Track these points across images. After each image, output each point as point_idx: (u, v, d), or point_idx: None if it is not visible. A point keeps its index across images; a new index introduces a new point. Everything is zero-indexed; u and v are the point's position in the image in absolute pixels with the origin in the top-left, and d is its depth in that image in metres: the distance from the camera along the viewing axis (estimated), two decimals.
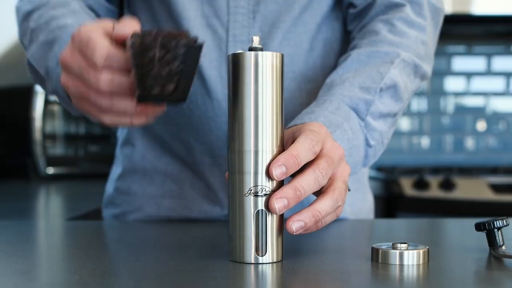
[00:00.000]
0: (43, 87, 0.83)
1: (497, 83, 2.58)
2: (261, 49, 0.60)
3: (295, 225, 0.59)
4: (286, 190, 0.59)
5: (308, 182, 0.60)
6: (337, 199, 0.62)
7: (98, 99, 0.62)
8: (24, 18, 0.86)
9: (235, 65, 0.60)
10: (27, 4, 0.86)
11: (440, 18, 0.90)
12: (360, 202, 0.98)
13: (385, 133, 0.80)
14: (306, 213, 0.60)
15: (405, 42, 0.83)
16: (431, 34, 0.88)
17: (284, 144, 0.62)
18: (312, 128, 0.65)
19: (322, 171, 0.61)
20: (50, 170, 2.08)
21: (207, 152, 0.90)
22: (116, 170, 1.01)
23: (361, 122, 0.77)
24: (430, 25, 0.87)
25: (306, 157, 0.61)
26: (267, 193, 0.59)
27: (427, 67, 0.86)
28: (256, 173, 0.59)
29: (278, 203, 0.58)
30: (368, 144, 0.78)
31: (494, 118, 2.59)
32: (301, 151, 0.60)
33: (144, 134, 0.96)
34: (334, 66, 0.91)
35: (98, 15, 0.91)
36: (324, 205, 0.61)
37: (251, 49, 0.60)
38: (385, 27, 0.85)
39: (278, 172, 0.59)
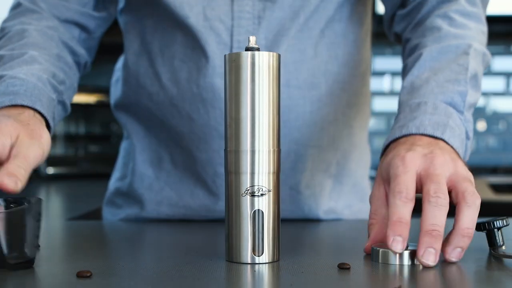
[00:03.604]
0: None
1: (497, 83, 2.59)
2: (258, 49, 0.60)
3: (454, 254, 0.60)
4: (424, 239, 0.59)
5: (434, 215, 0.59)
6: (473, 201, 0.61)
7: None
8: None
9: (232, 65, 0.60)
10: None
11: (488, 3, 0.89)
12: (358, 204, 0.98)
13: (471, 124, 0.79)
14: (457, 237, 0.60)
15: (468, 34, 0.82)
16: (485, 21, 0.87)
17: (280, 144, 0.61)
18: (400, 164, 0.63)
19: (436, 195, 0.60)
20: (50, 170, 2.08)
21: (209, 162, 0.90)
22: (116, 172, 1.01)
23: (461, 116, 0.75)
24: (483, 13, 0.86)
25: (407, 213, 0.60)
26: (264, 193, 0.59)
27: (489, 55, 0.85)
28: (253, 173, 0.59)
29: (428, 256, 0.58)
30: (467, 137, 0.76)
31: (494, 118, 2.59)
32: (400, 211, 0.60)
33: (145, 141, 0.95)
34: (337, 72, 0.91)
35: (84, 28, 0.89)
36: (467, 218, 0.61)
37: (247, 49, 0.60)
38: (445, 22, 0.83)
39: (399, 246, 0.59)
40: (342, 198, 0.96)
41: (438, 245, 0.59)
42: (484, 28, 0.85)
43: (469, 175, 0.65)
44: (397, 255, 0.59)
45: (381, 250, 0.60)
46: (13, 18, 0.85)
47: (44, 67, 0.77)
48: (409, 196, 0.61)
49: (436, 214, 0.59)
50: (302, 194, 0.92)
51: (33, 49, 0.79)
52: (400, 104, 0.77)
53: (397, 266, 0.59)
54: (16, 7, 0.86)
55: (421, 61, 0.79)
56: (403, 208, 0.60)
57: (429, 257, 0.58)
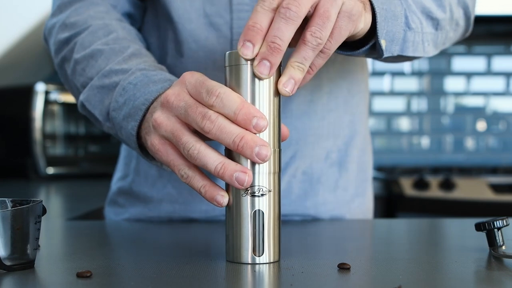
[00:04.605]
0: (98, 125, 0.80)
1: (497, 83, 2.58)
2: None
3: (288, 86, 0.59)
4: (262, 50, 0.57)
5: (278, 27, 0.56)
6: (322, 25, 0.58)
7: (189, 140, 0.59)
8: (62, 43, 0.84)
9: (232, 63, 0.60)
10: (63, 30, 0.84)
11: None
12: (358, 202, 0.98)
13: (427, 35, 0.77)
14: (289, 70, 0.58)
15: None
16: None
17: (280, 144, 0.61)
18: None
19: (287, 6, 0.56)
20: (50, 170, 2.08)
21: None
22: (118, 171, 1.01)
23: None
24: None
25: (264, 20, 0.58)
26: (264, 193, 0.59)
27: (470, 3, 0.84)
28: (253, 173, 0.59)
29: (261, 68, 0.57)
30: (408, 25, 0.73)
31: (494, 118, 2.59)
32: (257, 17, 0.57)
33: None
34: (335, 60, 0.91)
35: (133, 17, 0.90)
36: (277, 29, 0.57)
37: None
38: None
39: (248, 52, 0.57)
40: (351, 186, 0.96)
41: (275, 59, 0.57)
42: None
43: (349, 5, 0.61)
44: (248, 61, 0.58)
45: (232, 51, 0.60)
46: (80, 12, 0.84)
47: (153, 59, 0.78)
48: (272, 5, 0.58)
49: (280, 27, 0.57)
50: (298, 179, 0.92)
51: (129, 43, 0.79)
52: None
53: (397, 266, 0.59)
54: (76, 0, 0.85)
55: None
56: (262, 15, 0.58)
57: (263, 69, 0.57)
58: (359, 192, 0.97)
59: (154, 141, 0.63)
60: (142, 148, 0.70)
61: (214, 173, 0.58)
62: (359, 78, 0.97)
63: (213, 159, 0.58)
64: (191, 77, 0.61)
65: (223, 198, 0.59)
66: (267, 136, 0.59)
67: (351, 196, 0.96)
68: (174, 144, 0.61)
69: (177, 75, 0.88)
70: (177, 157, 0.61)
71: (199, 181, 0.60)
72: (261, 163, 0.58)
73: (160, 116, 0.62)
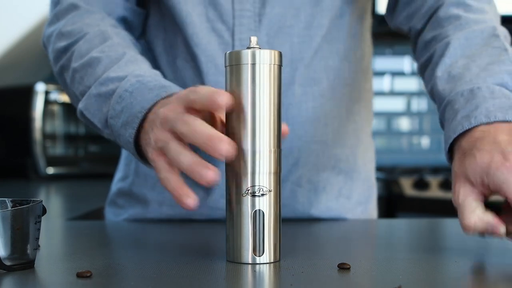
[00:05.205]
0: (98, 131, 0.80)
1: None
2: (259, 49, 0.60)
3: None
4: None
5: None
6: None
7: (179, 149, 0.61)
8: (60, 52, 0.84)
9: (232, 63, 0.60)
10: (60, 39, 0.84)
11: None
12: (360, 209, 0.97)
13: None
14: None
15: (487, 17, 0.81)
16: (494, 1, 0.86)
17: (281, 144, 0.61)
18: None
19: None
20: (50, 170, 2.08)
21: (210, 161, 0.89)
22: (119, 172, 1.01)
23: None
24: None
25: None
26: (264, 193, 0.59)
27: (508, 35, 0.85)
28: (253, 173, 0.59)
29: None
30: None
31: None
32: None
33: None
34: (338, 67, 0.91)
35: (130, 24, 0.90)
36: None
37: (248, 49, 0.60)
38: (461, 9, 0.81)
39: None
40: (355, 194, 0.96)
41: None
42: (495, 8, 0.84)
43: None
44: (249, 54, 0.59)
45: (232, 51, 0.60)
46: (75, 20, 0.84)
47: (148, 64, 0.79)
48: None
49: None
50: (304, 188, 0.92)
51: (124, 49, 0.79)
52: (442, 95, 0.74)
53: (398, 266, 0.59)
54: (72, 8, 0.86)
55: (451, 49, 0.77)
56: None
57: None
58: (361, 200, 0.97)
59: (151, 154, 0.64)
60: (141, 154, 0.71)
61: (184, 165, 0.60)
62: (362, 87, 0.96)
63: (188, 156, 0.61)
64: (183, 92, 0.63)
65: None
66: (267, 136, 0.59)
67: (354, 204, 0.96)
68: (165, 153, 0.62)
69: (186, 77, 0.88)
70: (163, 163, 0.62)
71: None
72: (223, 159, 0.59)
73: (157, 133, 0.63)
